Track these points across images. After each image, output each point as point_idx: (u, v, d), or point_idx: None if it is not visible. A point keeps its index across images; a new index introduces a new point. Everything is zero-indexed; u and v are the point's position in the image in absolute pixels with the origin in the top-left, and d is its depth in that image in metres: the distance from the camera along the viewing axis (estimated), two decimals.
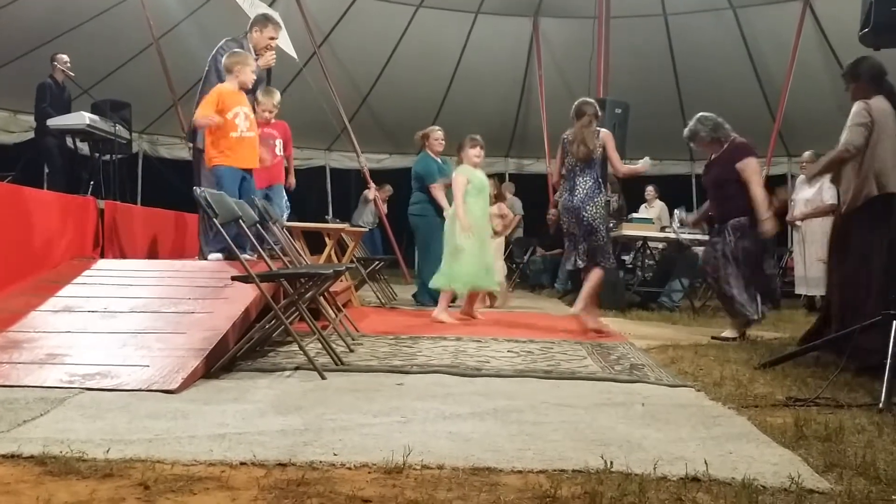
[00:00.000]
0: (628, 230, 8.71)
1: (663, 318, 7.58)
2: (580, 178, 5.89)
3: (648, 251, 9.32)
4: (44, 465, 2.27)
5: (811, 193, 8.36)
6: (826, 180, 8.70)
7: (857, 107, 4.67)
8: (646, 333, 6.27)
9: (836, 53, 12.31)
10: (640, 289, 8.93)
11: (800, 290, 8.76)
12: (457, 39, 13.88)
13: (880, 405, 3.35)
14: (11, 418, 2.79)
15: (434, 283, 6.95)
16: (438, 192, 7.98)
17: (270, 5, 11.53)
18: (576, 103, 6.10)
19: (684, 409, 3.30)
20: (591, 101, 6.20)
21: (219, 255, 6.04)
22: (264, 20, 6.49)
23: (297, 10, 12.26)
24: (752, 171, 6.01)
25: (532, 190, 14.39)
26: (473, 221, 6.75)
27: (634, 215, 9.82)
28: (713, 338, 6.00)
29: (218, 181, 5.84)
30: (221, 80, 6.02)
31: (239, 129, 5.90)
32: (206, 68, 6.43)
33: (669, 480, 2.26)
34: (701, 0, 12.76)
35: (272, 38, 6.47)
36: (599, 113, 6.23)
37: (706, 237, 9.71)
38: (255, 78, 6.23)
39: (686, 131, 6.31)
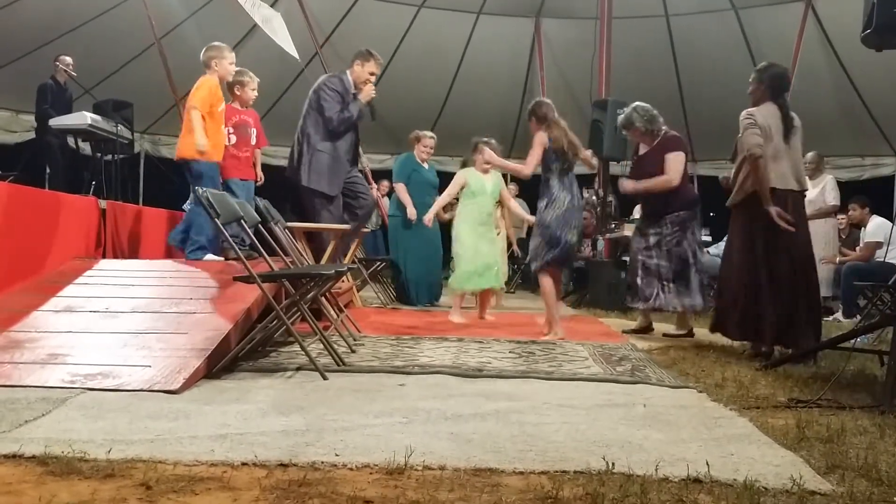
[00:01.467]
0: (629, 231, 8.69)
1: (665, 320, 7.57)
2: (570, 179, 5.83)
3: None
4: (45, 465, 2.27)
5: (813, 195, 8.35)
6: (829, 181, 8.73)
7: (741, 119, 5.06)
8: (646, 334, 6.28)
9: (839, 54, 12.32)
10: None
11: None
12: (459, 40, 13.88)
13: (882, 407, 3.35)
14: (13, 418, 2.79)
15: (450, 283, 7.06)
16: (403, 193, 8.23)
17: (272, 5, 11.56)
18: (544, 104, 5.91)
19: (686, 411, 3.30)
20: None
21: (213, 256, 6.06)
22: (367, 55, 6.64)
23: (299, 10, 12.26)
24: (678, 163, 6.12)
25: (534, 191, 14.36)
26: (468, 222, 6.90)
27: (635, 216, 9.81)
28: (665, 334, 6.22)
29: (201, 176, 5.90)
30: (322, 116, 6.31)
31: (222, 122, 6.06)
32: (308, 102, 6.53)
33: (671, 481, 2.26)
34: (703, 1, 12.74)
35: (372, 74, 6.55)
36: None
37: (708, 238, 9.77)
38: (233, 70, 6.30)
39: (622, 119, 6.33)
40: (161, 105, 12.96)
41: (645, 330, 6.36)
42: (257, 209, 5.51)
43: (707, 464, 2.38)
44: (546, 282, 5.78)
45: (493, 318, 7.06)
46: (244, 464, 2.33)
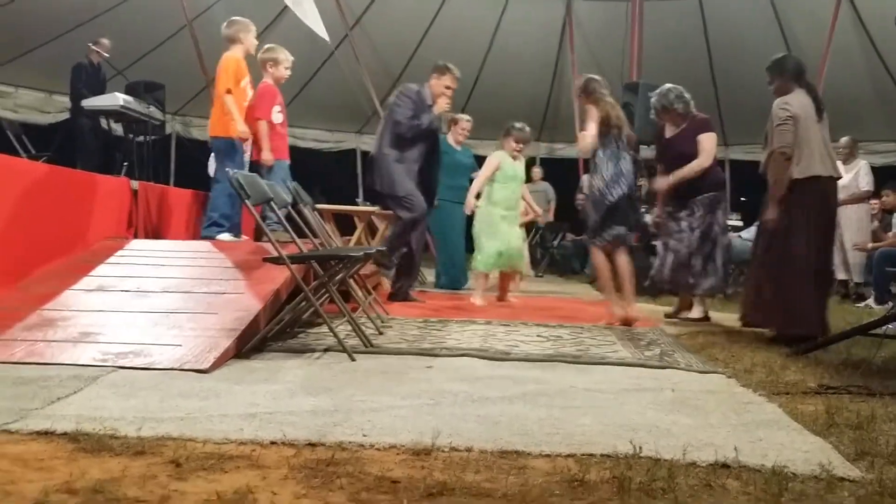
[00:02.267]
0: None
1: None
2: (616, 150, 5.74)
3: None
4: (77, 441, 2.30)
5: (847, 179, 8.24)
6: (863, 166, 8.62)
7: (776, 108, 5.01)
8: (676, 319, 6.24)
9: (872, 37, 12.11)
10: None
11: (837, 274, 8.67)
12: (489, 22, 13.81)
13: None
14: (45, 395, 2.83)
15: (473, 265, 7.03)
16: None
17: None
18: (594, 80, 5.86)
19: (714, 396, 3.28)
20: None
21: (228, 235, 6.15)
22: (444, 69, 6.65)
23: None
24: (711, 145, 6.09)
25: (562, 174, 14.31)
26: (498, 205, 6.83)
27: None
28: (684, 319, 6.18)
29: (231, 153, 5.99)
30: (397, 132, 6.39)
31: (247, 98, 6.10)
32: (385, 114, 6.62)
33: (699, 466, 2.25)
34: None
35: (448, 87, 6.56)
36: None
37: (740, 223, 9.67)
38: (255, 43, 6.36)
39: (658, 100, 6.22)
40: (192, 87, 13.03)
41: (703, 319, 6.26)
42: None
43: (735, 449, 2.36)
44: (598, 258, 5.78)
45: (516, 301, 7.04)
46: (273, 443, 2.35)
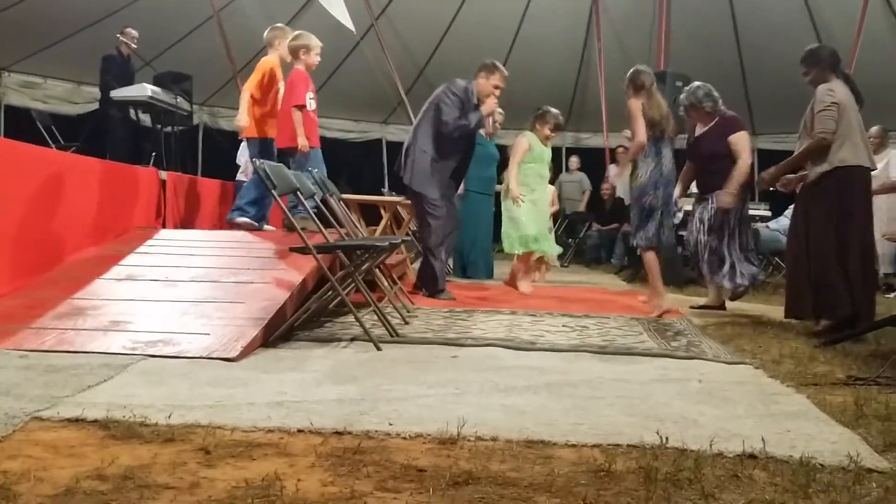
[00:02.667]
0: (689, 206, 8.57)
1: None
2: (659, 148, 5.73)
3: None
4: (107, 429, 2.33)
5: (878, 170, 8.14)
6: (894, 156, 8.49)
7: (821, 93, 4.92)
8: (703, 310, 6.21)
9: None
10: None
11: None
12: (515, 11, 13.74)
13: None
14: (76, 383, 2.87)
15: (509, 248, 7.01)
16: None
17: None
18: (644, 72, 5.81)
19: (742, 387, 3.26)
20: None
21: (246, 219, 6.26)
22: (492, 67, 6.58)
23: None
24: (746, 144, 6.11)
25: (589, 164, 14.23)
26: (527, 187, 6.79)
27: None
28: (700, 306, 6.21)
29: (265, 152, 6.10)
30: (444, 131, 6.34)
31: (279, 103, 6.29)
32: (427, 106, 6.56)
33: (725, 457, 2.24)
34: None
35: (497, 87, 6.53)
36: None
37: (768, 213, 9.58)
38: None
39: (688, 97, 6.18)
40: (220, 78, 13.09)
41: (717, 307, 6.24)
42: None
43: (762, 440, 2.35)
44: (648, 257, 5.84)
45: (531, 291, 6.98)
46: (300, 431, 2.37)
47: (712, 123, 6.14)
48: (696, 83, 6.22)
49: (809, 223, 4.99)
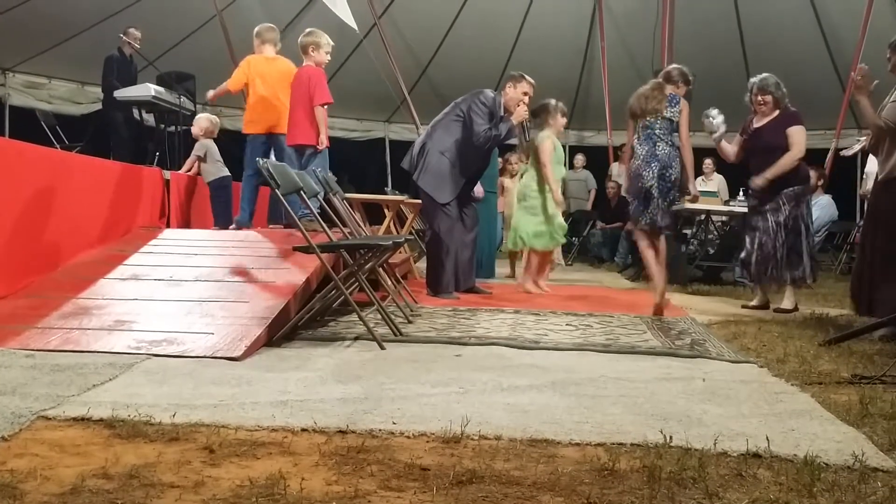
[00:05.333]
0: (691, 203, 8.55)
1: (726, 293, 7.48)
2: (647, 135, 5.72)
3: (711, 225, 9.16)
4: (112, 427, 2.33)
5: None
6: None
7: None
8: (707, 308, 6.20)
9: None
10: (703, 263, 8.78)
11: None
12: (517, 9, 13.72)
13: None
14: (81, 382, 2.88)
15: (512, 244, 7.03)
16: None
17: None
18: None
19: (746, 385, 3.26)
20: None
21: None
22: (519, 77, 6.57)
23: None
24: (801, 139, 6.05)
25: (593, 162, 14.22)
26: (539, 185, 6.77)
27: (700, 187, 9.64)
28: (776, 310, 6.08)
29: (282, 151, 6.15)
30: (472, 130, 6.27)
31: None
32: (450, 109, 6.51)
33: (730, 456, 2.24)
34: None
35: (525, 94, 6.52)
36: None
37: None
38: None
39: (761, 82, 6.16)
40: (223, 77, 12.96)
41: (763, 307, 6.24)
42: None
43: (767, 439, 2.35)
44: (641, 243, 5.80)
45: (532, 290, 6.94)
46: (304, 430, 2.37)
47: (774, 115, 6.11)
48: (770, 74, 6.22)
49: (882, 219, 4.96)
